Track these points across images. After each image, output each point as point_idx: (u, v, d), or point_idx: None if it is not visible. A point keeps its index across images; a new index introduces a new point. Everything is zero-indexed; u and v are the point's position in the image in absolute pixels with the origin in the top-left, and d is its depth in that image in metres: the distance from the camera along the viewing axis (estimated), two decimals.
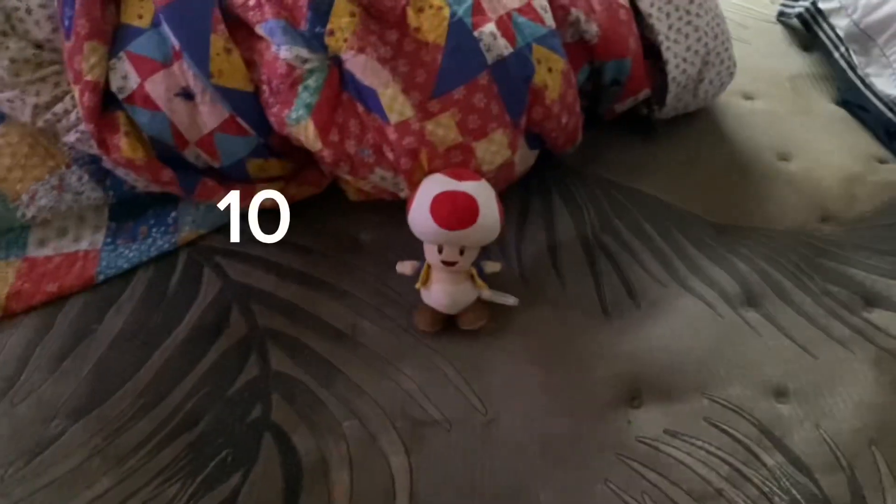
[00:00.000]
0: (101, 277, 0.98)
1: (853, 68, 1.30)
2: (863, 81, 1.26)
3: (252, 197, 1.01)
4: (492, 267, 0.93)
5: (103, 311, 0.95)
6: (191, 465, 0.80)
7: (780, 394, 0.87)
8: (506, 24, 0.92)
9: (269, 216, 1.04)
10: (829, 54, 1.36)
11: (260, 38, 0.92)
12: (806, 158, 1.17)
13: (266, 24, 0.90)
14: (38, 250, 1.01)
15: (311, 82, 0.91)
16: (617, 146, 1.17)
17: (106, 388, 0.87)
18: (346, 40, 0.89)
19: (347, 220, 1.06)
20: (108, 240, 1.02)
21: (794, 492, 0.78)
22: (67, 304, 0.96)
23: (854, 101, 1.26)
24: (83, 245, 1.02)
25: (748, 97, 1.28)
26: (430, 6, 0.91)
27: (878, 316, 0.95)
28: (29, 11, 0.96)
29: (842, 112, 1.27)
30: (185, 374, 0.88)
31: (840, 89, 1.30)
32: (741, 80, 1.24)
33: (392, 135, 0.90)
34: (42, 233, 1.03)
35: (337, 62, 0.91)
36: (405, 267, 0.93)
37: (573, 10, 1.00)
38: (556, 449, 0.82)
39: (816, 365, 0.89)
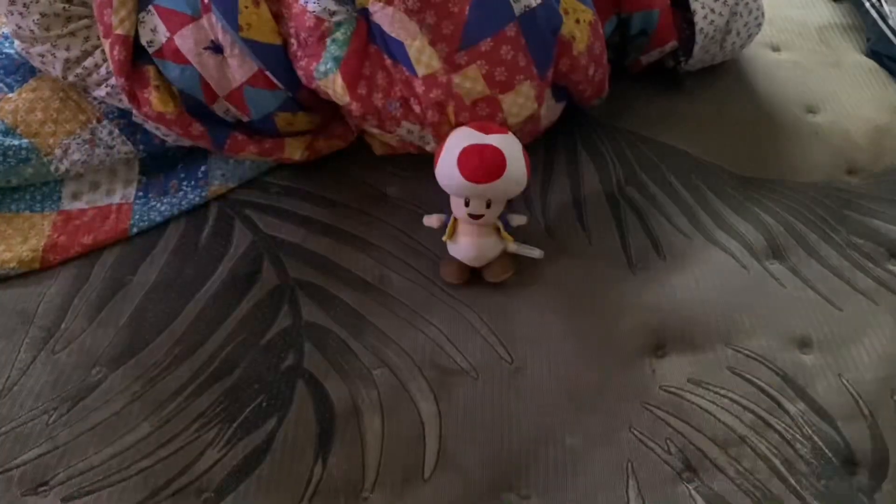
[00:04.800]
0: (135, 230, 1.00)
1: (884, 18, 1.27)
2: (893, 32, 1.24)
3: (280, 151, 1.02)
4: (518, 220, 0.94)
5: (137, 263, 0.98)
6: (227, 411, 0.83)
7: (804, 344, 0.88)
8: None
9: (291, 169, 1.06)
10: (859, 4, 1.33)
11: None
12: (833, 111, 1.16)
13: None
14: (72, 203, 1.03)
15: (338, 35, 0.91)
16: (643, 99, 1.16)
17: (143, 337, 0.90)
18: None
19: (374, 175, 1.07)
20: (140, 193, 1.04)
21: (815, 438, 0.80)
22: (103, 256, 0.99)
23: (884, 52, 1.24)
24: (116, 198, 1.04)
25: (776, 49, 1.27)
26: None
27: None
28: None
29: (871, 63, 1.25)
30: (219, 324, 0.91)
31: (870, 40, 1.28)
32: (769, 32, 1.23)
33: (419, 87, 0.91)
34: (75, 186, 1.05)
35: (364, 14, 0.91)
36: (432, 220, 0.94)
37: None
38: (582, 396, 0.84)
39: (840, 316, 0.90)
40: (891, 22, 1.26)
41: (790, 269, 0.95)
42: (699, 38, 1.08)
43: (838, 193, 1.04)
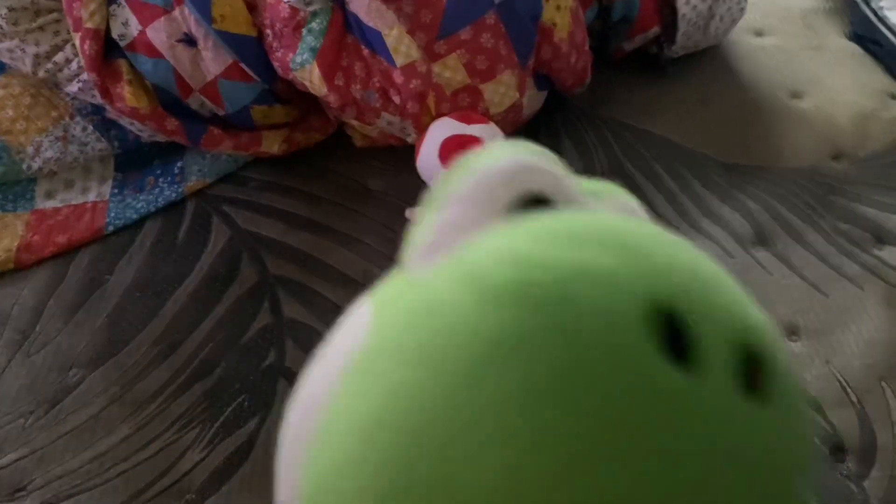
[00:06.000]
0: (111, 228, 0.98)
1: (867, 1, 1.26)
2: (877, 15, 1.23)
3: (257, 145, 1.01)
4: None
5: (114, 262, 0.96)
6: (208, 411, 0.82)
7: (791, 332, 0.87)
8: None
9: (269, 163, 1.04)
10: None
11: None
12: (818, 95, 1.15)
13: None
14: (46, 202, 1.01)
15: (314, 25, 0.89)
16: (626, 87, 1.15)
17: (121, 338, 0.88)
18: None
19: (355, 168, 1.06)
20: (116, 191, 1.02)
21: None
22: (78, 256, 0.97)
23: (868, 35, 1.23)
24: (91, 196, 1.02)
25: (759, 33, 1.25)
26: None
27: (889, 253, 0.95)
28: None
29: (855, 47, 1.24)
30: (198, 323, 0.89)
31: (853, 23, 1.27)
32: (752, 16, 1.22)
33: (398, 78, 0.89)
34: (49, 185, 1.02)
35: (340, 4, 0.89)
36: (415, 213, 0.93)
37: None
38: None
39: (827, 303, 0.90)
40: (874, 4, 1.25)
41: (776, 256, 0.94)
42: (682, 24, 1.07)
43: (824, 179, 1.03)
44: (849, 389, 0.82)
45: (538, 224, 0.28)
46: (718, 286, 0.27)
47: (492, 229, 0.30)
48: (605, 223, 0.28)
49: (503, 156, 0.35)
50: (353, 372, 0.28)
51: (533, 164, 0.35)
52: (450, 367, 0.23)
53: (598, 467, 0.21)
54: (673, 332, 0.23)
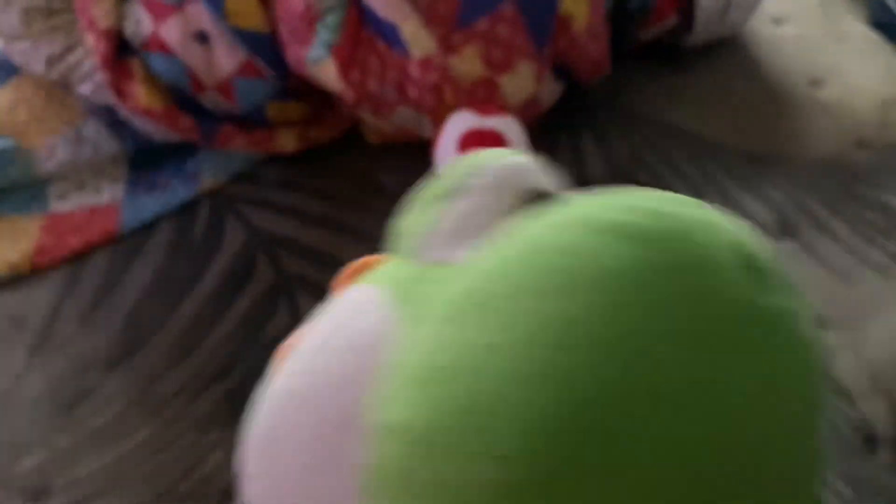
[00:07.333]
0: (125, 229, 0.98)
1: None
2: None
3: (272, 143, 1.00)
4: None
5: (129, 263, 0.95)
6: (229, 412, 0.81)
7: (820, 323, 0.85)
8: None
9: (284, 160, 1.03)
10: None
11: None
12: (839, 84, 1.13)
13: None
14: (60, 204, 1.00)
15: (329, 20, 0.88)
16: (644, 78, 1.14)
17: (138, 339, 0.87)
18: None
19: (369, 164, 1.05)
20: (129, 191, 1.02)
21: (834, 418, 0.78)
22: (93, 258, 0.96)
23: (889, 22, 1.22)
24: (104, 198, 1.01)
25: (777, 22, 1.24)
26: None
27: None
28: None
29: (875, 35, 1.22)
30: (216, 323, 0.88)
31: (874, 11, 1.26)
32: (770, 4, 1.20)
33: (415, 71, 0.88)
34: (62, 187, 1.02)
35: None
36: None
37: None
38: None
39: (855, 293, 0.88)
40: None
41: (802, 247, 0.93)
42: (700, 13, 1.06)
43: (847, 168, 1.02)
44: (879, 380, 0.80)
45: (607, 194, 0.35)
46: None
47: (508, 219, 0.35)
48: (658, 193, 0.36)
49: (511, 155, 0.41)
50: (445, 321, 0.30)
51: (535, 164, 0.42)
52: (591, 297, 0.27)
53: (729, 376, 0.27)
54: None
